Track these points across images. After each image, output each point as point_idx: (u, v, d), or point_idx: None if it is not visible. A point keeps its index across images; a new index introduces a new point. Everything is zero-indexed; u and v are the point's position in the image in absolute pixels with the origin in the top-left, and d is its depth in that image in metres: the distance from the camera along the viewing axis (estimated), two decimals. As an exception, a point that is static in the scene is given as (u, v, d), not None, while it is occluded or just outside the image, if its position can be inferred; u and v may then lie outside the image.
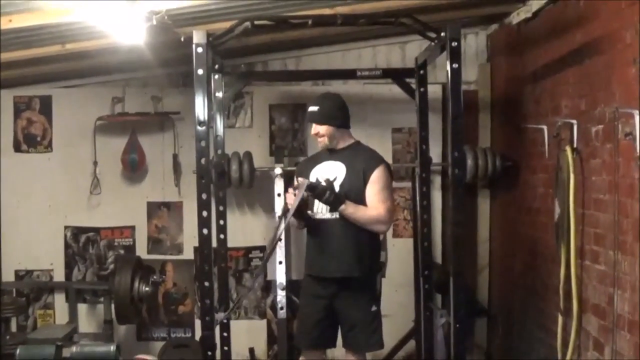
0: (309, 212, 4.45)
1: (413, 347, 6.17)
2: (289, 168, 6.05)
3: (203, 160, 4.33)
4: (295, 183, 4.37)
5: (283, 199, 4.38)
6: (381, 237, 4.83)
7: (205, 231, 4.33)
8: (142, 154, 6.48)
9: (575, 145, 4.54)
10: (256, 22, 4.50)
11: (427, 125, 5.47)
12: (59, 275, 6.56)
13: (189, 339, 6.58)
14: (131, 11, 4.00)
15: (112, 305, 6.01)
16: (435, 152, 5.96)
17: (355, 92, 6.14)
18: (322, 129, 4.45)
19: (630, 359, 3.80)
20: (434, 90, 6.02)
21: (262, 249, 6.55)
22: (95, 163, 6.43)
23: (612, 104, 4.01)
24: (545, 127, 5.08)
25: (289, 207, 4.31)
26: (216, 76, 5.41)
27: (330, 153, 4.52)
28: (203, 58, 4.29)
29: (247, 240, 6.50)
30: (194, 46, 4.29)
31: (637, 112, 3.69)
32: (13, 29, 4.20)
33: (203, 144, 4.33)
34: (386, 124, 6.53)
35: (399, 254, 6.47)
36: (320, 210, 4.41)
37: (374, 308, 4.47)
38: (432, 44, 4.79)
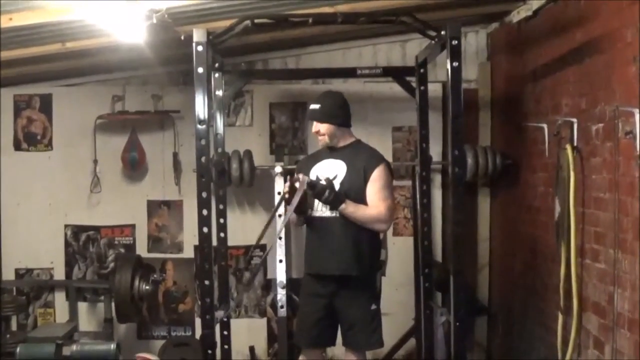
0: (309, 210, 4.46)
1: (413, 346, 6.17)
2: (289, 166, 6.05)
3: (203, 159, 4.32)
4: (295, 177, 4.35)
5: (282, 190, 4.37)
6: (381, 235, 4.82)
7: (205, 230, 4.33)
8: (142, 152, 6.48)
9: (575, 144, 4.54)
10: (256, 21, 4.49)
11: (428, 124, 5.46)
12: (59, 274, 6.57)
13: (189, 337, 6.58)
14: (131, 10, 4.00)
15: (113, 304, 6.01)
16: (435, 151, 5.96)
17: (356, 91, 6.13)
18: (323, 127, 4.46)
19: (631, 358, 3.80)
20: (434, 89, 6.02)
21: (262, 247, 6.53)
22: (95, 161, 6.43)
23: (613, 103, 4.00)
24: (545, 126, 5.08)
25: (287, 197, 4.31)
26: (216, 74, 5.40)
27: (331, 151, 4.52)
28: (203, 56, 4.29)
29: (247, 239, 6.49)
30: (194, 44, 4.28)
31: (637, 110, 3.69)
32: (13, 28, 4.19)
33: (203, 142, 4.33)
34: (386, 122, 6.53)
35: (399, 253, 6.47)
36: (320, 208, 4.41)
37: (373, 307, 4.47)
38: (433, 42, 4.78)
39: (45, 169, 6.54)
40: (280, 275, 6.00)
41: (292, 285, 5.95)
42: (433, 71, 5.88)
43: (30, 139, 6.56)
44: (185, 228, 6.58)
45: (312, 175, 4.47)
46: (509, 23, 6.01)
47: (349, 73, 6.05)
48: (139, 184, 6.59)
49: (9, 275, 6.45)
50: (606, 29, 4.15)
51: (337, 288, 4.43)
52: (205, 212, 4.32)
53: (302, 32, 5.58)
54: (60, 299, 6.54)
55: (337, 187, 4.36)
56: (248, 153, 6.10)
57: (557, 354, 4.73)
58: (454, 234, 4.48)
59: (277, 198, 5.96)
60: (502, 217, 6.39)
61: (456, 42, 4.35)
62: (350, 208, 4.31)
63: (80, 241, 6.58)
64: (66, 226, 6.58)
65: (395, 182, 4.95)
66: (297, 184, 4.28)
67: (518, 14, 5.73)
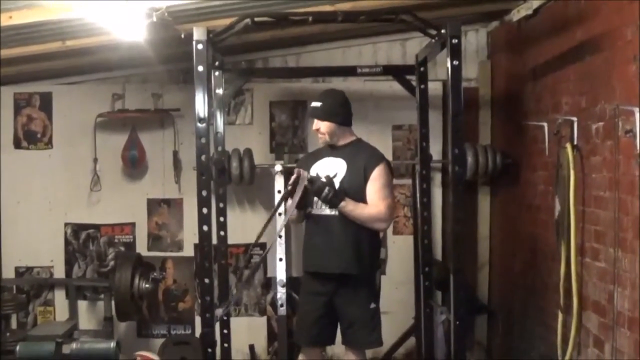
0: (309, 208, 4.46)
1: (413, 344, 6.17)
2: (289, 165, 6.05)
3: (203, 157, 4.33)
4: (295, 174, 4.35)
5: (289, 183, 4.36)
6: (381, 234, 4.82)
7: (205, 228, 4.33)
8: (142, 150, 6.48)
9: (575, 143, 4.54)
10: (256, 19, 4.50)
11: (428, 123, 5.46)
12: (59, 272, 6.57)
13: (189, 335, 6.58)
14: (131, 8, 4.00)
15: (113, 302, 6.02)
16: (435, 149, 5.96)
17: (356, 89, 6.12)
18: (323, 125, 4.46)
19: (631, 356, 3.80)
20: (434, 88, 6.02)
21: (262, 246, 6.54)
22: (95, 160, 6.43)
23: (613, 101, 4.00)
24: (545, 125, 5.08)
25: (290, 189, 4.31)
26: (216, 73, 5.40)
27: (331, 149, 4.52)
28: (203, 55, 4.29)
29: (247, 237, 6.49)
30: (194, 43, 4.28)
31: (637, 109, 3.69)
32: (13, 26, 4.20)
33: (203, 140, 4.33)
34: (386, 121, 6.53)
35: (399, 251, 6.47)
36: (320, 206, 4.41)
37: (373, 305, 4.47)
38: (433, 41, 4.79)
39: (45, 167, 6.53)
40: (280, 274, 6.00)
41: (292, 283, 5.95)
42: (433, 70, 5.87)
43: (30, 137, 6.56)
44: (185, 226, 6.58)
45: (312, 174, 4.47)
46: (509, 22, 6.01)
47: (349, 71, 6.04)
48: (139, 182, 6.59)
49: (9, 273, 6.44)
50: (606, 27, 4.15)
51: (336, 286, 4.43)
52: (205, 210, 4.33)
53: (302, 30, 5.58)
54: (60, 297, 6.54)
55: (337, 185, 4.36)
56: (248, 151, 6.10)
57: (557, 352, 4.73)
58: (454, 233, 4.48)
59: (277, 197, 5.96)
60: (502, 216, 6.39)
61: (456, 40, 4.36)
62: (349, 206, 4.31)
63: (80, 239, 6.58)
64: (66, 224, 6.58)
65: (395, 181, 4.95)
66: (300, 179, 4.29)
67: (518, 13, 5.73)
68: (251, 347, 6.50)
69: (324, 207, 4.39)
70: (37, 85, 6.55)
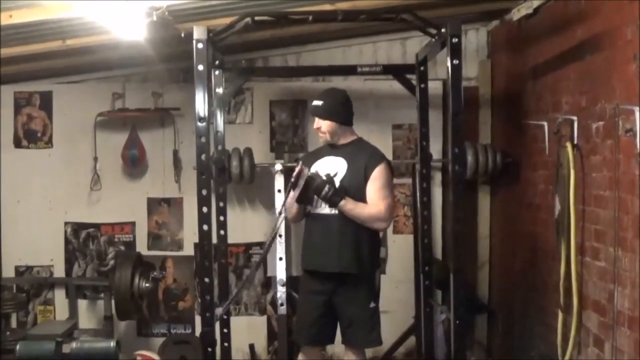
0: (309, 206, 4.46)
1: (413, 344, 6.17)
2: (289, 164, 6.05)
3: (203, 156, 4.32)
4: (298, 167, 4.34)
5: (284, 193, 4.37)
6: (381, 233, 4.82)
7: (205, 227, 4.33)
8: (142, 149, 6.48)
9: (575, 142, 4.54)
10: (256, 18, 4.50)
11: (428, 122, 5.46)
12: (59, 271, 6.57)
13: (189, 335, 6.58)
14: (132, 7, 4.00)
15: (113, 301, 6.02)
16: (435, 149, 5.96)
17: (356, 88, 6.12)
18: (324, 124, 4.46)
19: (631, 355, 3.80)
20: (434, 87, 6.02)
21: (262, 245, 6.55)
22: (95, 159, 6.43)
23: (613, 101, 4.00)
24: (545, 124, 5.08)
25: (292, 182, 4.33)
26: (216, 72, 5.40)
27: (332, 148, 4.53)
28: (203, 54, 4.28)
29: (247, 237, 6.51)
30: (194, 42, 4.28)
31: (637, 108, 3.69)
32: (13, 25, 4.19)
33: (203, 139, 4.33)
34: (386, 120, 6.53)
35: (399, 250, 6.48)
36: (319, 205, 4.41)
37: (372, 304, 4.48)
38: (433, 40, 4.79)
39: (46, 166, 6.53)
40: (280, 273, 6.00)
41: (292, 282, 5.95)
42: (433, 69, 5.87)
43: (31, 137, 6.56)
44: (185, 225, 6.58)
45: (313, 171, 4.47)
46: (510, 21, 6.00)
47: (349, 71, 6.04)
48: (139, 182, 6.59)
49: (9, 272, 6.44)
50: (606, 26, 4.15)
51: (336, 285, 4.43)
52: (205, 209, 4.32)
53: (302, 29, 5.58)
54: (60, 296, 6.54)
55: (337, 184, 4.36)
56: (248, 150, 6.10)
57: (557, 351, 4.73)
58: (454, 232, 4.48)
59: (277, 196, 5.95)
60: (502, 215, 6.39)
61: (456, 39, 4.36)
62: (349, 205, 4.31)
63: (80, 238, 6.58)
64: (66, 223, 6.58)
65: (395, 180, 4.95)
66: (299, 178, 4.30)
67: (518, 12, 5.72)
68: (251, 347, 6.50)
69: (323, 205, 4.39)
70: (37, 84, 6.55)
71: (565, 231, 4.55)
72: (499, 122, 6.43)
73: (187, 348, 6.28)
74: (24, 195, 6.50)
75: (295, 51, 6.59)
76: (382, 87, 6.40)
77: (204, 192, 4.32)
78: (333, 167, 4.44)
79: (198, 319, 6.40)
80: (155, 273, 6.30)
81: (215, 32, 4.45)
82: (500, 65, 6.36)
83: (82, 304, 6.52)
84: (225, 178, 5.70)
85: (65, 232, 6.57)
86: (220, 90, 5.47)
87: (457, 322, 4.42)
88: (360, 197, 4.37)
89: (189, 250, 6.58)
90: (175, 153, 6.45)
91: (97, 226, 6.60)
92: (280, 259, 6.00)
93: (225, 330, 5.11)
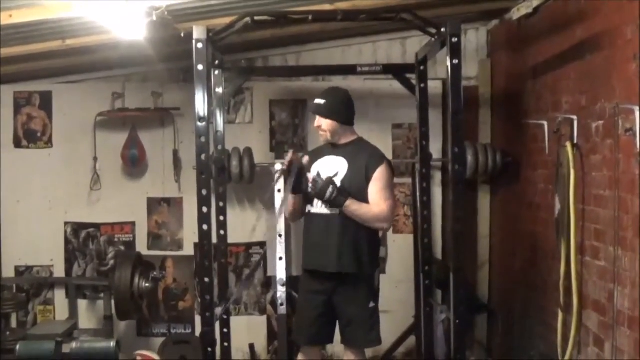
0: (309, 205, 4.46)
1: (413, 343, 6.18)
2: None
3: (203, 156, 4.33)
4: (288, 156, 4.34)
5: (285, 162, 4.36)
6: (381, 233, 4.82)
7: (205, 227, 4.33)
8: (142, 149, 6.48)
9: (575, 141, 4.54)
10: (256, 18, 4.50)
11: (428, 121, 5.46)
12: (59, 271, 6.57)
13: (189, 334, 6.59)
14: (131, 7, 4.00)
15: (112, 301, 6.02)
16: (435, 148, 5.96)
17: (356, 88, 6.09)
18: (325, 123, 4.46)
19: (631, 355, 3.80)
20: (434, 86, 6.02)
21: (262, 244, 6.55)
22: (95, 159, 6.43)
23: (613, 100, 4.00)
24: (545, 123, 5.08)
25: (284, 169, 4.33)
26: (216, 72, 5.40)
27: (333, 148, 4.52)
28: (203, 54, 4.29)
29: (247, 236, 6.50)
30: (194, 42, 4.28)
31: (637, 108, 3.69)
32: (13, 25, 4.19)
33: (203, 139, 4.33)
34: (386, 119, 6.53)
35: (399, 250, 6.48)
36: (319, 204, 4.41)
37: (372, 304, 4.47)
38: (433, 39, 4.79)
39: (45, 166, 6.53)
40: (280, 273, 5.99)
41: (292, 282, 5.95)
42: (433, 68, 5.87)
43: (30, 136, 6.56)
44: (185, 225, 6.58)
45: (314, 172, 4.47)
46: (509, 20, 6.00)
47: (349, 70, 6.04)
48: (139, 181, 6.59)
49: (8, 272, 6.44)
50: (606, 26, 4.15)
51: (335, 285, 4.43)
52: (205, 209, 4.32)
53: (302, 29, 5.58)
54: (60, 296, 6.54)
55: (338, 184, 4.36)
56: (248, 150, 6.10)
57: (557, 351, 4.73)
58: (454, 232, 4.48)
59: (277, 196, 5.95)
60: (502, 215, 6.39)
61: (456, 39, 4.36)
62: (353, 206, 4.31)
63: (80, 238, 6.58)
64: (66, 223, 6.58)
65: (395, 180, 4.93)
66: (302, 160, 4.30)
67: (518, 11, 5.72)
68: (251, 346, 6.51)
69: (322, 205, 4.39)
70: (37, 84, 6.55)
71: (565, 231, 4.55)
72: (498, 121, 6.43)
73: (187, 348, 6.28)
74: (24, 195, 6.50)
75: (295, 51, 6.59)
76: (382, 86, 6.40)
77: (204, 192, 4.32)
78: (334, 167, 4.44)
79: (198, 319, 6.40)
80: (155, 273, 6.30)
81: (215, 32, 4.46)
82: (500, 65, 6.36)
83: (82, 304, 6.52)
84: (225, 178, 5.70)
85: (65, 232, 6.57)
86: (220, 90, 5.47)
87: (457, 321, 4.42)
88: (361, 197, 4.37)
89: (189, 250, 6.58)
90: (175, 153, 6.45)
91: (97, 226, 6.60)
92: (280, 259, 5.99)
93: (225, 330, 5.11)
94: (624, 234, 3.90)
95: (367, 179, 4.39)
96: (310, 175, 4.33)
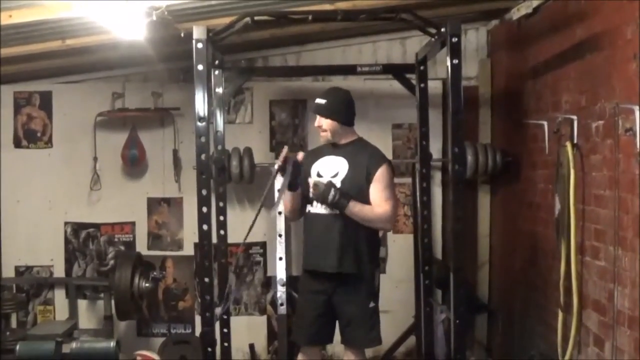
0: (309, 205, 4.45)
1: (413, 343, 6.18)
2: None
3: (203, 156, 4.33)
4: (282, 152, 4.33)
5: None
6: (381, 233, 4.82)
7: (205, 227, 4.33)
8: (142, 149, 6.47)
9: (575, 141, 4.54)
10: (256, 18, 4.49)
11: (428, 121, 5.46)
12: (59, 271, 6.57)
13: (189, 334, 6.58)
14: (131, 7, 3.99)
15: (112, 301, 6.01)
16: (435, 148, 5.96)
17: (356, 88, 6.07)
18: (326, 123, 4.46)
19: (631, 355, 3.80)
20: (434, 86, 6.02)
21: (262, 245, 6.55)
22: (95, 159, 6.43)
23: (613, 100, 4.00)
24: (545, 123, 5.08)
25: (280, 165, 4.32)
26: (216, 72, 5.40)
27: (333, 148, 4.52)
28: (203, 54, 4.29)
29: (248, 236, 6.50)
30: (194, 42, 4.28)
31: (637, 107, 3.68)
32: (13, 25, 4.19)
33: (203, 139, 4.33)
34: (386, 119, 6.53)
35: (399, 250, 6.48)
36: (318, 204, 4.41)
37: (372, 304, 4.47)
38: (433, 39, 4.79)
39: (45, 166, 6.53)
40: (280, 273, 5.99)
41: (292, 282, 5.94)
42: (433, 68, 5.88)
43: (30, 136, 6.55)
44: (185, 225, 6.58)
45: (314, 172, 4.48)
46: (509, 20, 6.00)
47: (349, 70, 6.04)
48: (138, 181, 6.59)
49: (8, 272, 6.44)
50: (606, 26, 4.15)
51: (335, 285, 4.43)
52: (205, 209, 4.32)
53: (302, 29, 5.58)
54: (60, 296, 6.54)
55: (338, 184, 4.36)
56: (248, 150, 6.10)
57: (557, 351, 4.73)
58: (454, 231, 4.48)
59: (277, 195, 5.94)
60: (502, 214, 6.39)
61: (456, 39, 4.35)
62: (356, 207, 4.31)
63: (80, 238, 6.58)
64: (66, 223, 6.58)
65: (395, 180, 4.93)
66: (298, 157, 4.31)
67: (518, 11, 5.73)
68: (251, 346, 6.50)
69: (322, 205, 4.39)
70: (37, 84, 6.54)
71: (565, 230, 4.55)
72: (498, 121, 6.43)
73: (187, 348, 6.28)
74: (24, 195, 6.50)
75: (295, 51, 6.59)
76: (382, 86, 6.40)
77: (204, 192, 4.32)
78: (334, 167, 4.44)
79: (198, 319, 6.40)
80: (155, 273, 6.30)
81: (215, 32, 4.46)
82: (500, 65, 6.36)
83: (82, 304, 6.52)
84: (225, 178, 5.70)
85: (65, 232, 6.57)
86: (220, 90, 5.47)
87: (457, 321, 4.42)
88: (362, 198, 4.37)
89: (189, 250, 6.58)
90: (175, 153, 6.45)
91: (97, 226, 6.60)
92: (280, 259, 5.99)
93: (225, 330, 5.11)
94: (624, 234, 3.90)
95: (368, 180, 4.39)
96: (311, 180, 4.33)
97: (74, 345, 4.28)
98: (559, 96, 4.96)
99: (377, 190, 4.39)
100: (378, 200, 4.38)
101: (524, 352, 5.60)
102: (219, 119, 5.45)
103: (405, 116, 6.39)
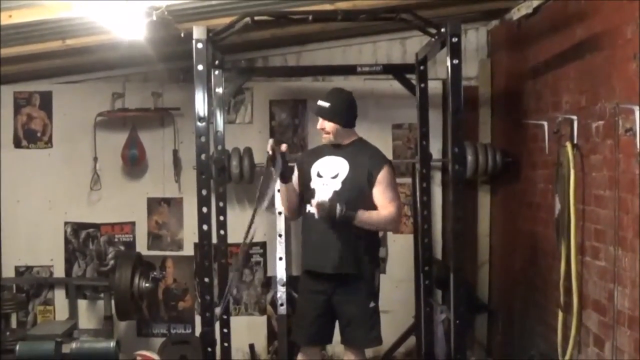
0: (308, 206, 4.45)
1: (413, 343, 6.17)
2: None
3: (203, 156, 4.33)
4: (269, 144, 4.31)
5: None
6: (381, 233, 4.82)
7: (205, 227, 4.33)
8: (142, 149, 6.47)
9: (575, 141, 4.54)
10: (256, 18, 4.49)
11: (428, 121, 5.46)
12: (59, 271, 6.57)
13: (189, 335, 6.58)
14: (131, 7, 3.99)
15: (112, 301, 6.02)
16: (435, 148, 5.97)
17: (356, 88, 6.06)
18: (329, 125, 4.46)
19: (631, 355, 3.80)
20: (434, 86, 6.02)
21: (262, 245, 6.55)
22: (95, 159, 6.43)
23: (613, 100, 4.00)
24: (545, 123, 5.08)
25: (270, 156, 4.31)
26: (216, 72, 5.40)
27: (333, 148, 4.52)
28: (203, 54, 4.29)
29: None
30: (194, 42, 4.28)
31: (637, 107, 3.69)
32: (13, 25, 4.19)
33: (203, 139, 4.33)
34: (386, 119, 6.53)
35: (399, 250, 6.47)
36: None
37: (372, 304, 4.47)
38: (433, 39, 4.78)
39: (45, 166, 6.53)
40: (280, 273, 5.99)
41: (292, 282, 5.94)
42: (433, 68, 5.88)
43: (30, 136, 6.55)
44: (185, 225, 6.57)
45: (314, 172, 4.48)
46: (509, 20, 6.00)
47: (349, 70, 6.04)
48: (139, 181, 6.59)
49: (8, 272, 6.44)
50: (606, 26, 4.15)
51: (335, 285, 4.43)
52: (205, 209, 4.32)
53: (302, 29, 5.58)
54: (60, 296, 6.53)
55: (338, 185, 4.37)
56: (248, 150, 6.10)
57: (557, 351, 4.73)
58: (454, 231, 4.48)
59: (277, 195, 5.94)
60: (502, 215, 6.39)
61: (456, 39, 4.35)
62: (364, 216, 4.30)
63: (80, 238, 6.58)
64: (66, 223, 6.57)
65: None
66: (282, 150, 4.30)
67: (518, 11, 5.73)
68: (251, 347, 6.50)
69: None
70: (37, 84, 6.54)
71: (565, 230, 4.55)
72: (498, 121, 6.43)
73: (187, 348, 6.27)
74: (24, 195, 6.50)
75: (295, 51, 6.59)
76: (382, 86, 6.40)
77: (204, 192, 4.32)
78: (334, 168, 4.44)
79: (198, 319, 6.40)
80: (155, 273, 6.31)
81: (215, 32, 4.45)
82: (500, 65, 6.36)
83: (82, 304, 6.52)
84: (225, 178, 5.70)
85: (65, 232, 6.57)
86: (220, 90, 5.46)
87: (457, 321, 4.42)
88: (362, 198, 4.37)
89: (189, 250, 6.58)
90: (175, 153, 6.45)
91: (97, 226, 6.60)
92: (280, 259, 5.99)
93: (225, 330, 5.11)
94: (624, 234, 3.90)
95: (370, 182, 4.39)
96: (314, 201, 4.30)
97: (73, 345, 4.28)
98: (559, 96, 4.96)
99: (381, 193, 4.39)
100: (383, 203, 4.38)
101: (524, 352, 5.60)
102: (219, 119, 5.45)
103: (405, 116, 6.39)
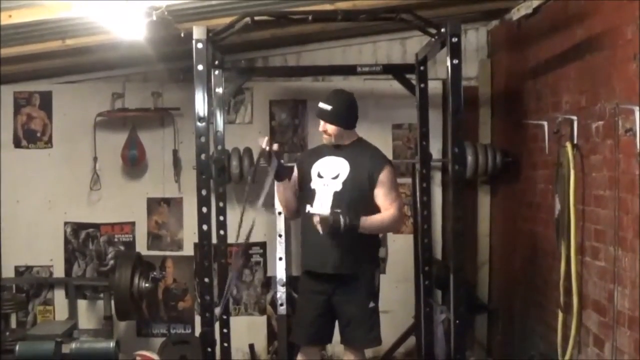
0: (308, 206, 4.45)
1: (413, 343, 6.17)
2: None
3: (203, 156, 4.33)
4: (263, 142, 4.31)
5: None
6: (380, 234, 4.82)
7: (205, 227, 4.33)
8: (142, 149, 6.47)
9: (575, 141, 4.54)
10: (256, 18, 4.49)
11: (428, 121, 5.46)
12: (59, 271, 6.56)
13: (189, 335, 6.58)
14: (131, 7, 3.99)
15: (112, 302, 6.01)
16: (435, 148, 5.96)
17: (356, 88, 6.06)
18: (331, 128, 4.46)
19: (631, 355, 3.80)
20: (434, 86, 6.02)
21: (262, 245, 6.54)
22: (95, 159, 6.43)
23: (613, 100, 4.00)
24: (545, 123, 5.08)
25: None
26: (216, 72, 5.39)
27: (334, 148, 4.52)
28: (203, 54, 4.29)
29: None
30: (194, 42, 4.28)
31: (637, 108, 3.68)
32: (13, 25, 4.19)
33: (203, 139, 4.33)
34: (386, 120, 6.53)
35: (399, 250, 6.47)
36: (317, 205, 4.40)
37: (372, 304, 4.47)
38: (433, 39, 4.78)
39: (45, 166, 6.53)
40: (280, 273, 5.99)
41: (292, 282, 5.94)
42: (433, 68, 5.88)
43: (30, 136, 6.55)
44: (185, 225, 6.57)
45: (314, 172, 4.47)
46: (509, 20, 6.00)
47: (349, 70, 6.04)
48: (138, 181, 6.59)
49: (8, 272, 6.44)
50: (606, 26, 4.15)
51: (335, 285, 4.43)
52: (205, 209, 4.32)
53: (302, 29, 5.58)
54: (59, 296, 6.53)
55: (339, 186, 4.37)
56: (248, 150, 6.10)
57: (557, 351, 4.73)
58: (454, 231, 4.48)
59: (277, 195, 5.94)
60: (502, 215, 6.39)
61: (456, 39, 4.35)
62: (366, 223, 4.29)
63: (80, 238, 6.58)
64: (66, 223, 6.57)
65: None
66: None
67: (518, 12, 5.73)
68: (251, 347, 6.50)
69: (319, 205, 4.37)
70: (37, 84, 6.54)
71: (565, 231, 4.55)
72: (499, 121, 6.43)
73: (187, 348, 6.27)
74: (23, 195, 6.50)
75: (295, 51, 6.59)
76: (382, 86, 6.39)
77: (204, 192, 4.32)
78: (334, 168, 4.44)
79: (198, 319, 6.39)
80: (155, 273, 6.30)
81: (215, 32, 4.45)
82: (500, 65, 6.36)
83: (82, 304, 6.52)
84: (225, 178, 5.69)
85: (65, 232, 6.57)
86: (220, 90, 5.46)
87: (457, 321, 4.42)
88: (363, 199, 4.36)
89: (188, 250, 6.58)
90: (175, 153, 6.45)
91: (96, 226, 6.60)
92: (280, 259, 5.99)
93: (225, 330, 5.11)
94: (624, 234, 3.90)
95: (371, 183, 4.39)
96: (316, 218, 4.28)
97: (73, 345, 4.27)
98: (559, 96, 4.96)
99: (382, 194, 4.39)
100: (385, 204, 4.38)
101: (524, 352, 5.61)
102: (219, 119, 5.45)
103: (405, 116, 6.39)
